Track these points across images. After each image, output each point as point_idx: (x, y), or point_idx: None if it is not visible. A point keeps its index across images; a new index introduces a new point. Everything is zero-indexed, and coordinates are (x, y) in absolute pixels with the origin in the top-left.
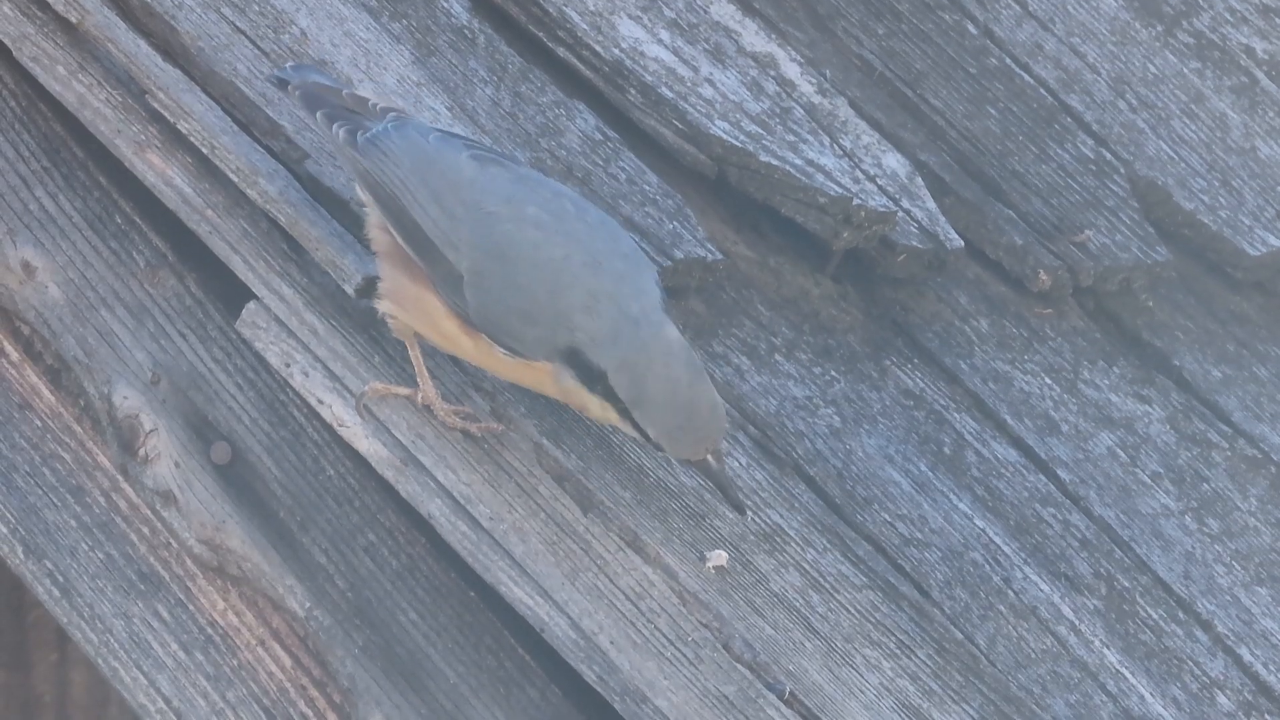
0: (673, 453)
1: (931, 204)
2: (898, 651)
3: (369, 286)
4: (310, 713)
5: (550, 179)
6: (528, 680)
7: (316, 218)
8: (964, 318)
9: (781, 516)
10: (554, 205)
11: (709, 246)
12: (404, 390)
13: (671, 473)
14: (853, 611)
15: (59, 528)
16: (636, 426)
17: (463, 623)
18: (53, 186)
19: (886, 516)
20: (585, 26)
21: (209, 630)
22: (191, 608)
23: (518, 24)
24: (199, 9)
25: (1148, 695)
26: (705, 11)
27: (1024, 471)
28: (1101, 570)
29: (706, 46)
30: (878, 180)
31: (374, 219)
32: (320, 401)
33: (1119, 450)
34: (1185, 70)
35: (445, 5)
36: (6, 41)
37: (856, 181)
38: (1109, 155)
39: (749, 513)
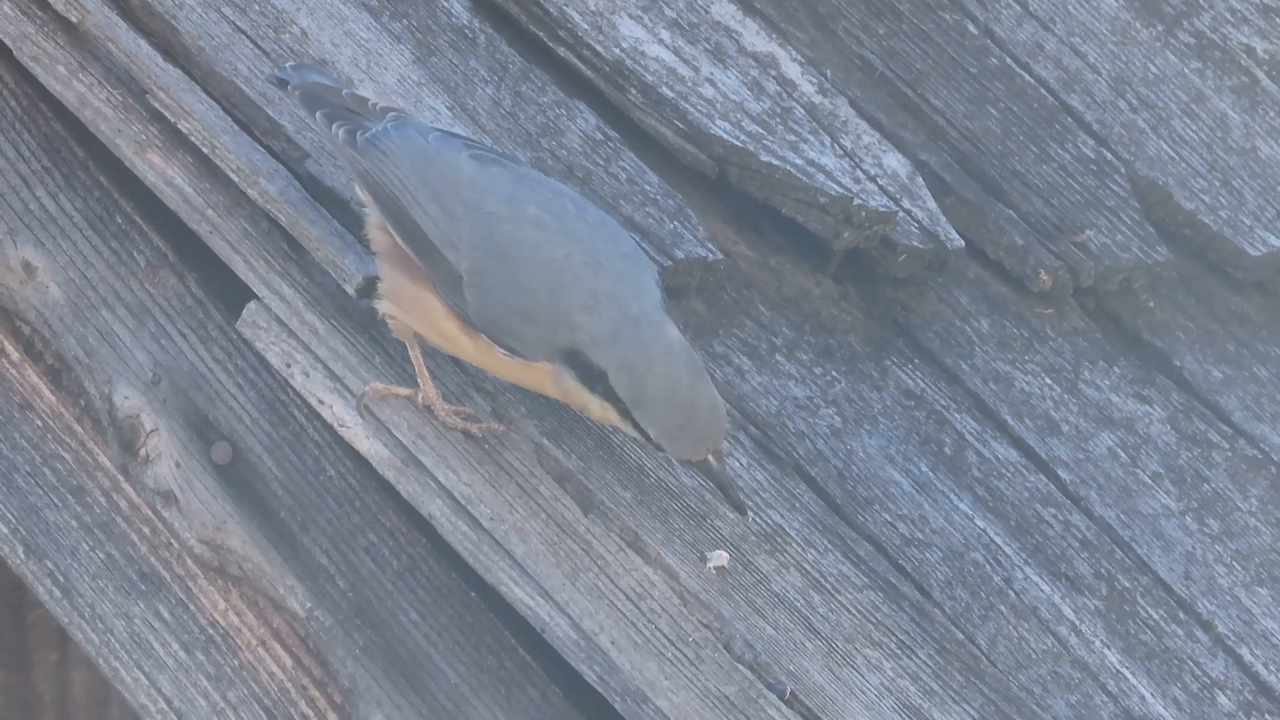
0: (673, 453)
1: (932, 204)
2: (898, 652)
3: (369, 286)
4: (311, 713)
5: (550, 179)
6: (528, 680)
7: (317, 217)
8: (965, 318)
9: (782, 517)
10: (554, 205)
11: (710, 246)
12: (405, 390)
13: (672, 473)
14: (854, 612)
15: (60, 528)
16: (637, 427)
17: (463, 623)
18: (53, 186)
19: (887, 517)
20: (586, 26)
21: (210, 630)
22: (192, 608)
23: (518, 24)
24: (200, 9)
25: (1148, 695)
26: (706, 11)
27: (1024, 472)
28: (1102, 570)
29: (707, 46)
30: (878, 180)
31: (373, 219)
32: (321, 402)
33: (1119, 450)
34: (1186, 70)
35: (446, 5)
36: (7, 41)
37: (857, 181)
38: (1109, 155)
39: (750, 513)
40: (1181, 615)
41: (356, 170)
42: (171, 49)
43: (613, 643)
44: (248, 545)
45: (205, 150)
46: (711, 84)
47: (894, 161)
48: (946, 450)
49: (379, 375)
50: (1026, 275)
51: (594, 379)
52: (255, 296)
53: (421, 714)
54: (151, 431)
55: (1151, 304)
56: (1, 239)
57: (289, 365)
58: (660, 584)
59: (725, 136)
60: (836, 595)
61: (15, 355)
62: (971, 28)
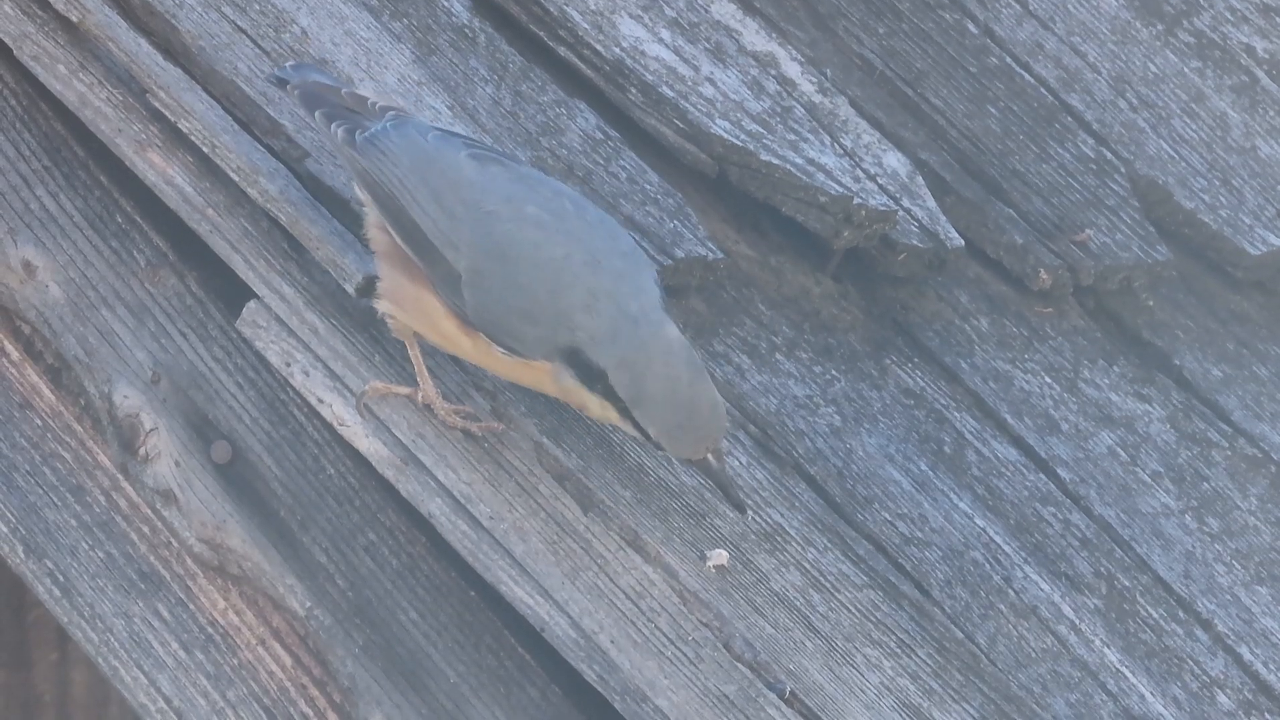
0: (673, 452)
1: (932, 203)
2: (898, 651)
3: (369, 286)
4: (310, 712)
5: (550, 178)
6: (528, 680)
7: (317, 217)
8: (964, 317)
9: (782, 516)
10: (554, 204)
11: (710, 245)
12: (404, 389)
13: (672, 472)
14: (853, 611)
15: (59, 527)
16: (637, 425)
17: (463, 622)
18: (53, 185)
19: (887, 516)
20: (586, 25)
21: (209, 629)
22: (192, 607)
23: (518, 23)
24: (200, 8)
25: (1148, 694)
26: (706, 10)
27: (1024, 470)
28: (1102, 569)
29: (707, 45)
30: (878, 179)
31: (372, 218)
32: (320, 400)
33: (1119, 449)
34: (1186, 69)
35: (446, 4)
36: (7, 40)
37: (857, 180)
38: (1109, 154)
39: (750, 512)
40: (1181, 614)
41: (355, 169)
42: (172, 48)
43: (612, 642)
44: (247, 544)
45: (205, 149)
46: (711, 83)
47: (894, 161)
48: (946, 449)
49: (379, 374)
50: (1026, 274)
51: (593, 378)
52: (255, 295)
53: (421, 713)
54: (151, 430)
55: (1151, 303)
56: (2, 238)
57: (289, 364)
58: (660, 583)
59: (725, 136)
60: (836, 594)
61: (15, 354)
62: (971, 27)
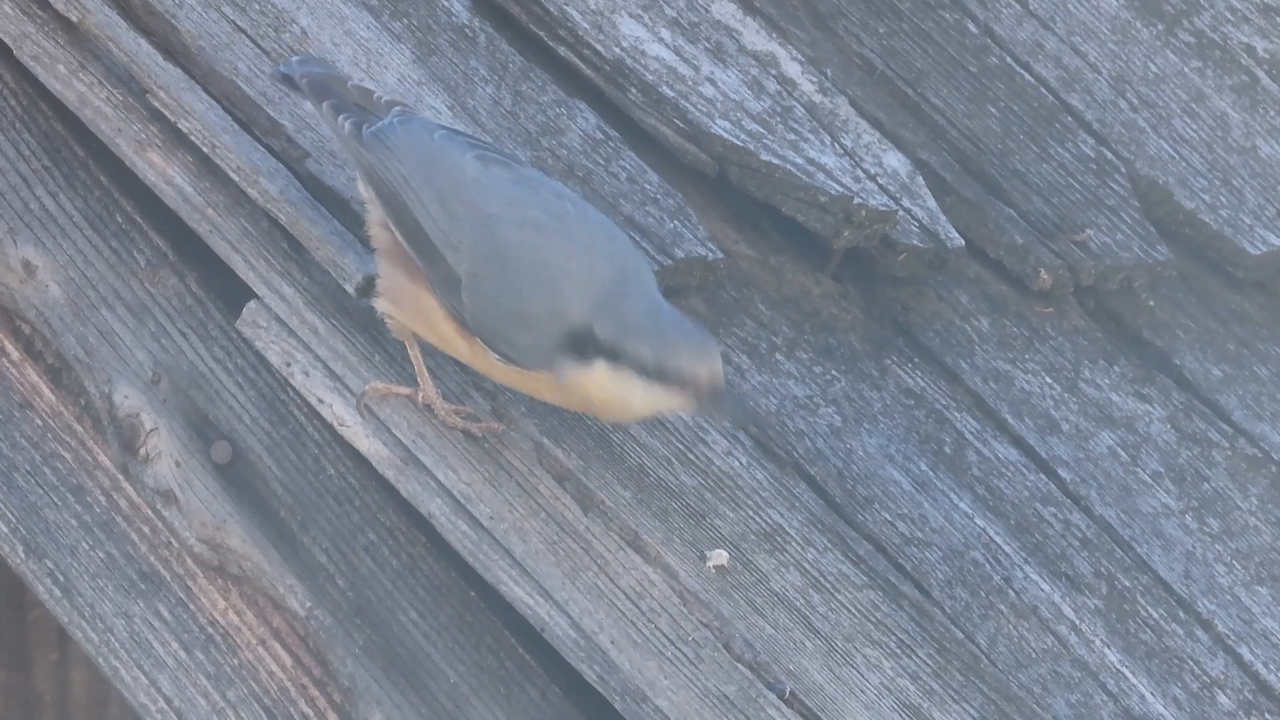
0: (675, 368)
1: (932, 203)
2: (898, 651)
3: (369, 286)
4: (311, 712)
5: (552, 180)
6: (528, 680)
7: (317, 217)
8: (965, 317)
9: (782, 516)
10: (554, 207)
11: (710, 245)
12: (404, 390)
13: (672, 472)
14: (853, 611)
15: (60, 527)
16: (633, 363)
17: (463, 622)
18: (53, 185)
19: (887, 516)
20: (586, 25)
21: (209, 629)
22: (192, 607)
23: (518, 23)
24: (200, 8)
25: (1148, 695)
26: (706, 10)
27: (1024, 471)
28: (1102, 570)
29: (707, 45)
30: (878, 179)
31: (375, 216)
32: (321, 401)
33: (1119, 449)
34: (1186, 69)
35: (446, 4)
36: (7, 40)
37: (857, 180)
38: (1110, 154)
39: (760, 412)
40: (1181, 614)
41: (361, 164)
42: (171, 48)
43: (612, 642)
44: (247, 544)
45: (205, 149)
46: (712, 83)
47: (894, 160)
48: (946, 449)
49: (379, 374)
50: (1027, 274)
51: (583, 344)
52: (255, 296)
53: (421, 713)
54: (151, 430)
55: (1152, 303)
56: (2, 238)
57: (289, 364)
58: (660, 583)
59: (725, 135)
60: (836, 594)
61: (15, 354)
62: (972, 27)
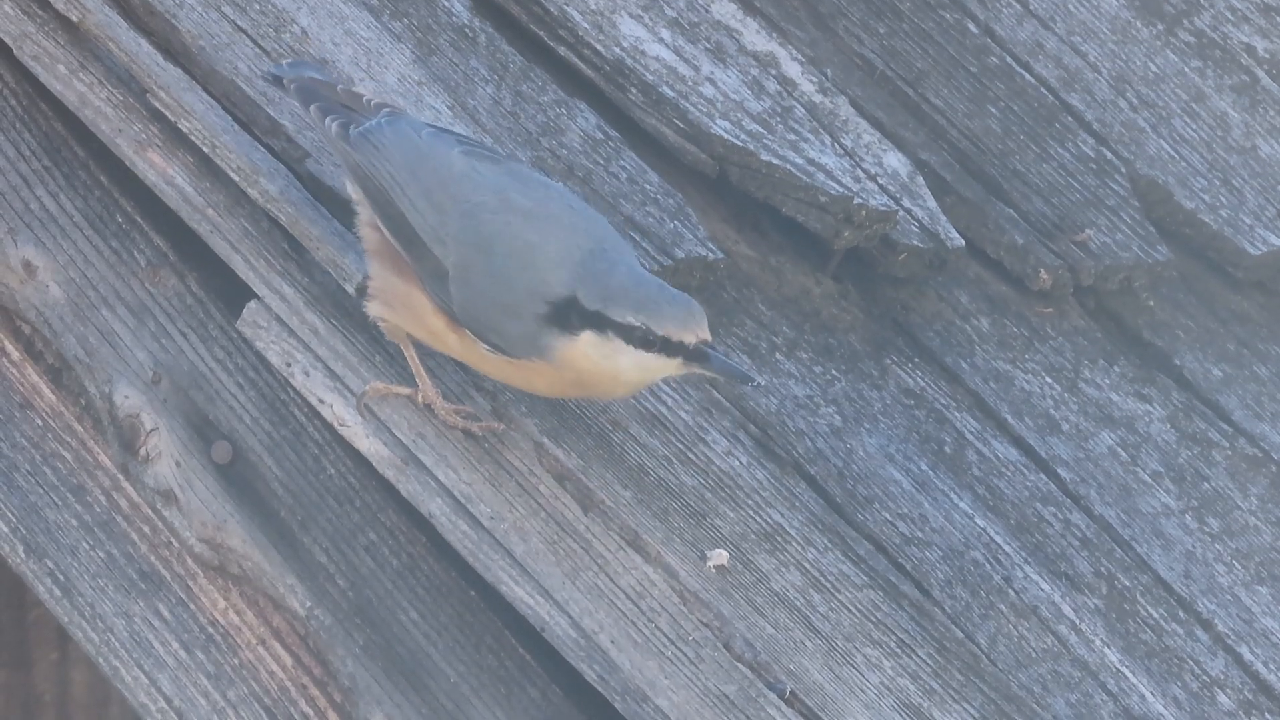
0: (660, 329)
1: (932, 203)
2: (898, 651)
3: (367, 287)
4: (311, 712)
5: (539, 173)
6: (528, 680)
7: (317, 217)
8: (965, 317)
9: (782, 516)
10: (538, 194)
11: (710, 246)
12: (405, 390)
13: (672, 472)
14: (853, 611)
15: (60, 527)
16: (618, 327)
17: (463, 622)
18: (54, 185)
19: (887, 516)
20: (586, 25)
21: (210, 629)
22: (192, 607)
23: (519, 23)
24: (200, 8)
25: (1148, 694)
26: (706, 10)
27: (1025, 470)
28: (1102, 569)
29: (707, 45)
30: (879, 179)
31: (364, 216)
32: (321, 401)
33: (1119, 449)
34: (1186, 69)
35: (446, 4)
36: (7, 40)
37: (857, 181)
38: (1110, 154)
39: (761, 380)
40: (1181, 614)
41: (348, 164)
42: (172, 48)
43: (612, 642)
44: (248, 544)
45: (206, 149)
46: (712, 83)
47: (894, 161)
48: (946, 449)
49: (379, 374)
50: (1026, 274)
51: (567, 315)
52: (255, 296)
53: (421, 713)
54: (151, 430)
55: (1152, 303)
56: (2, 238)
57: (289, 364)
58: (660, 583)
59: (725, 136)
60: (836, 594)
61: (15, 355)
62: (972, 27)
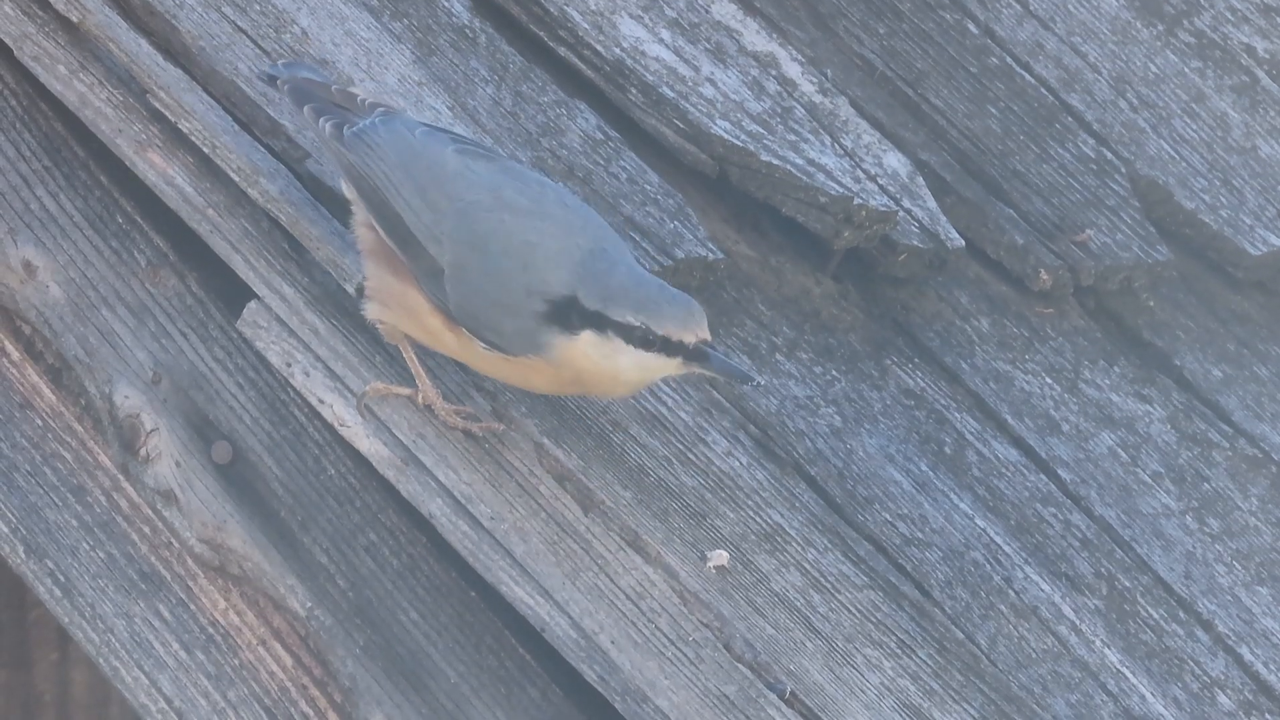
0: (660, 330)
1: (932, 203)
2: (899, 651)
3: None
4: (311, 712)
5: (535, 171)
6: (528, 680)
7: (317, 217)
8: (965, 317)
9: (782, 516)
10: (533, 192)
11: (710, 246)
12: (405, 390)
13: (672, 472)
14: (854, 611)
15: (60, 527)
16: (618, 327)
17: (463, 622)
18: (54, 186)
19: (887, 516)
20: (586, 26)
21: (210, 630)
22: (193, 607)
23: (519, 23)
24: (200, 8)
25: (1148, 695)
26: (706, 11)
27: (1025, 471)
28: (1102, 570)
29: (707, 46)
30: (879, 180)
31: (359, 217)
32: (321, 401)
33: (1120, 450)
34: (1186, 69)
35: (446, 4)
36: (8, 40)
37: (857, 181)
38: (1110, 154)
39: (761, 381)
40: (1182, 615)
41: (342, 164)
42: (172, 49)
43: (613, 642)
44: (248, 545)
45: (206, 150)
46: (712, 83)
47: (894, 161)
48: (946, 450)
49: (379, 375)
50: (1027, 274)
51: (567, 314)
52: (256, 296)
53: (422, 713)
54: (152, 431)
55: (1152, 303)
56: (2, 238)
57: (289, 365)
58: (660, 583)
59: (725, 136)
60: (836, 594)
61: (16, 355)
62: (972, 27)
